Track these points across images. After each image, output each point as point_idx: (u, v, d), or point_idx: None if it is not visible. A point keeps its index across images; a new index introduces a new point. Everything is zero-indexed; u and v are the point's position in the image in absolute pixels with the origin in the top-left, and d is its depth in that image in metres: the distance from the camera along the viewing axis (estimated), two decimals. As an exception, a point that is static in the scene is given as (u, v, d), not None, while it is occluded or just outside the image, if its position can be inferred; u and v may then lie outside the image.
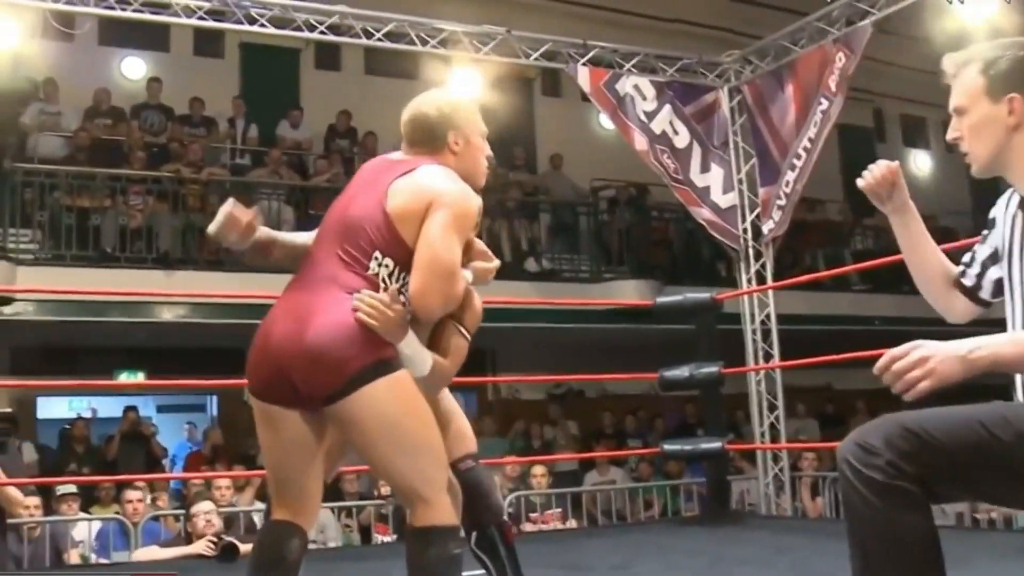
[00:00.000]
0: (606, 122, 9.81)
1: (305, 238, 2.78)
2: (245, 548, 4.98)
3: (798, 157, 7.71)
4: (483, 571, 3.06)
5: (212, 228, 2.73)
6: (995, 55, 2.01)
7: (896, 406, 1.87)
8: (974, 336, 1.80)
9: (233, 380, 2.60)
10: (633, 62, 8.15)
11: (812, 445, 9.17)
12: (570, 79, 8.54)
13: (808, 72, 7.70)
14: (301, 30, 7.39)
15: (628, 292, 10.36)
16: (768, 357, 8.06)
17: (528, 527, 7.05)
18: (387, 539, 6.74)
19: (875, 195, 2.19)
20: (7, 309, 8.52)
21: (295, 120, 11.49)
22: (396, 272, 2.50)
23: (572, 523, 7.29)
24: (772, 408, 8.08)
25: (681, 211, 9.76)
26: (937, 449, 1.77)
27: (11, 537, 5.67)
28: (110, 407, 11.02)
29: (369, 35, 7.54)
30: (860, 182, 2.19)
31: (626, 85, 8.06)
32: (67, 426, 9.76)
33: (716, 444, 6.43)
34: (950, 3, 6.93)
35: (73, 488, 6.69)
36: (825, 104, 7.48)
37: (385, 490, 6.75)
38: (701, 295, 6.63)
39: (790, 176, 7.79)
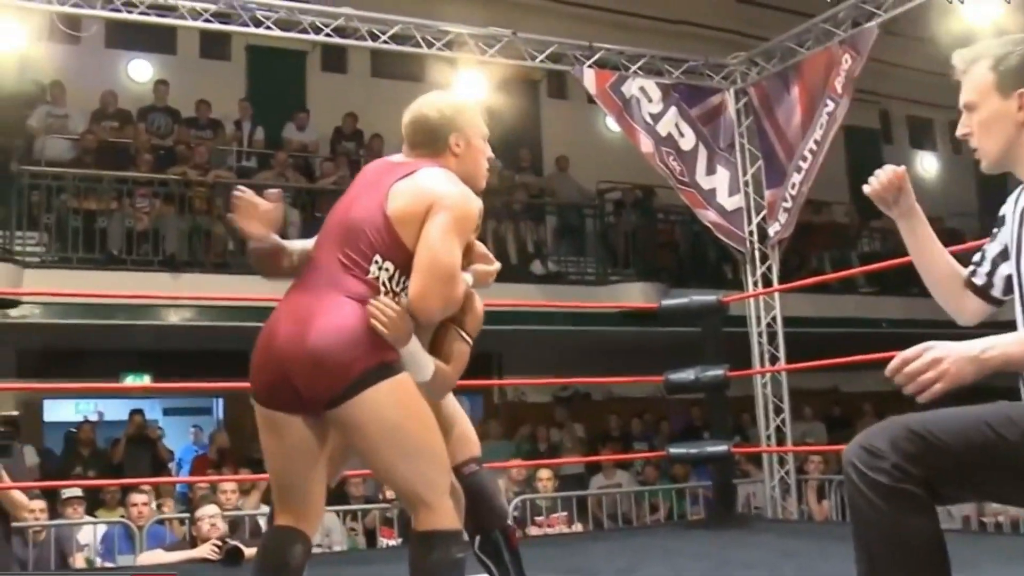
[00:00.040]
0: (612, 124, 9.80)
1: (311, 245, 2.76)
2: (250, 552, 4.97)
3: (804, 159, 7.69)
4: (487, 575, 3.05)
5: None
6: (1005, 51, 2.01)
7: (904, 408, 1.86)
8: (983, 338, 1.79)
9: (239, 383, 2.59)
10: (639, 64, 8.14)
11: (818, 448, 9.15)
12: (576, 81, 8.54)
13: (814, 74, 7.68)
14: (307, 32, 7.39)
15: (634, 295, 10.35)
16: (774, 360, 8.04)
17: (534, 530, 7.04)
18: (392, 543, 6.74)
19: (881, 200, 2.19)
20: (13, 312, 8.53)
21: (301, 122, 11.50)
22: (396, 275, 2.49)
23: (578, 526, 7.28)
24: (778, 411, 8.05)
25: (687, 213, 9.75)
26: (943, 451, 1.78)
27: (16, 540, 5.67)
28: (116, 410, 11.02)
29: (375, 37, 7.54)
30: (866, 188, 2.19)
31: (632, 87, 8.05)
32: (73, 429, 9.77)
33: (722, 447, 6.41)
34: (950, 2, 6.90)
35: (78, 492, 6.69)
36: (831, 106, 7.46)
37: (390, 494, 6.74)
38: (707, 298, 6.63)
39: (796, 178, 7.77)
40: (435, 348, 2.71)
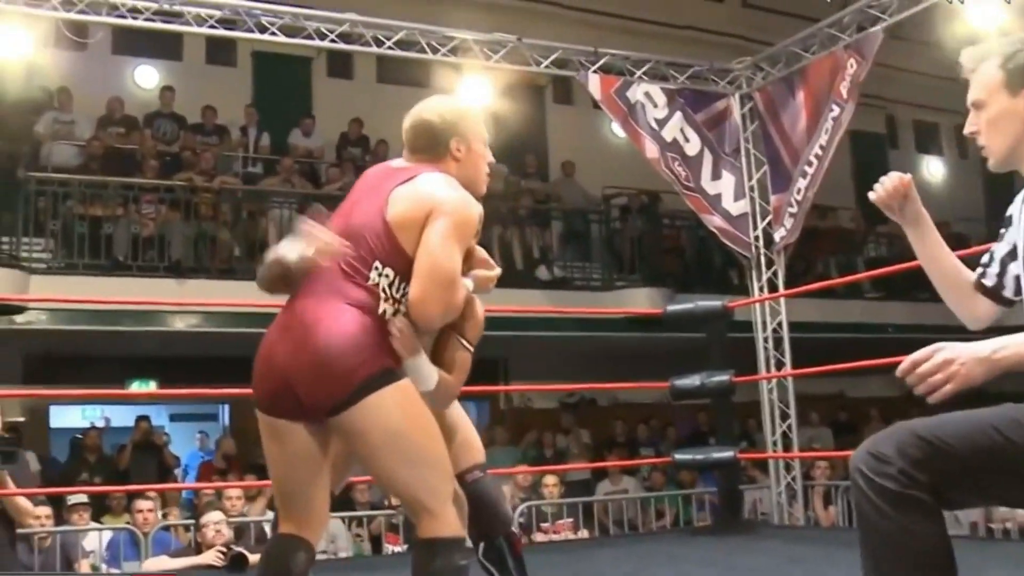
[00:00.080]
0: (618, 130, 9.81)
1: None
2: (254, 558, 4.97)
3: (809, 164, 7.68)
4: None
5: (295, 255, 2.49)
6: (1014, 49, 2.02)
7: (911, 413, 1.86)
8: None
9: (245, 389, 2.59)
10: (644, 69, 8.14)
11: (823, 454, 9.12)
12: (582, 87, 8.54)
13: (819, 79, 7.67)
14: (312, 38, 7.40)
15: (640, 300, 10.33)
16: (780, 365, 8.02)
17: (539, 537, 7.03)
18: (398, 549, 6.73)
19: (887, 207, 2.18)
20: (20, 318, 8.54)
21: (307, 128, 11.52)
22: (396, 282, 2.49)
23: (584, 533, 7.26)
24: (784, 416, 8.03)
25: (693, 219, 9.74)
26: (950, 455, 1.78)
27: (22, 547, 5.67)
28: (123, 416, 11.03)
29: (379, 43, 7.54)
30: (872, 195, 2.18)
31: (637, 92, 8.04)
32: (78, 435, 9.77)
33: (727, 453, 6.39)
34: (950, 2, 6.88)
35: (84, 498, 6.69)
36: (836, 111, 7.45)
37: (396, 500, 6.73)
38: (712, 303, 6.61)
39: (802, 183, 7.76)
40: (436, 358, 2.70)
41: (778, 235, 8.05)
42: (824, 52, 7.66)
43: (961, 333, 2.24)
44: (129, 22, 7.01)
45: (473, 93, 7.86)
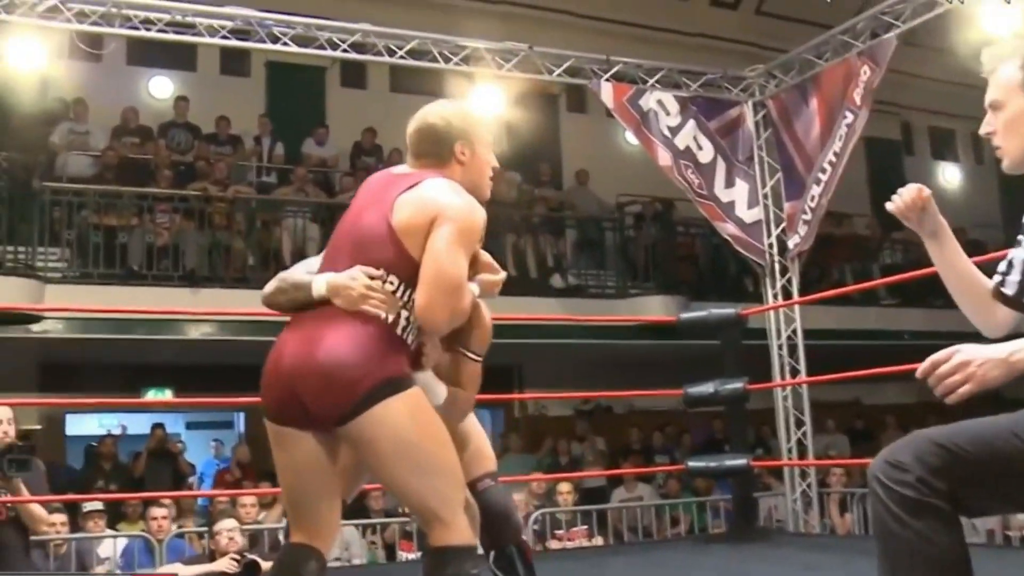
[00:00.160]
0: (632, 138, 9.80)
1: (315, 264, 2.74)
2: (267, 566, 4.97)
3: (823, 171, 7.67)
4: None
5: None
6: None
7: (928, 420, 1.85)
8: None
9: (259, 397, 2.60)
10: (657, 77, 8.14)
11: (838, 461, 9.09)
12: (595, 95, 8.54)
13: (833, 86, 7.66)
14: (324, 48, 7.42)
15: (654, 308, 10.31)
16: (795, 372, 7.99)
17: (554, 544, 7.02)
18: (412, 556, 6.73)
19: (905, 218, 2.17)
20: (36, 327, 8.58)
21: (321, 138, 11.55)
22: (401, 289, 2.48)
23: (598, 540, 7.25)
24: (799, 424, 8.00)
25: (707, 226, 9.71)
26: (968, 462, 1.77)
27: (38, 553, 5.69)
28: (139, 424, 11.06)
29: (392, 53, 7.56)
30: (890, 205, 2.17)
31: (649, 100, 8.04)
32: (94, 444, 9.81)
33: (741, 461, 6.37)
34: (961, 1, 6.86)
35: (99, 505, 6.71)
36: (850, 118, 7.43)
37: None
38: (726, 311, 6.59)
39: (815, 190, 7.74)
40: (445, 373, 2.70)
41: (792, 242, 8.03)
42: (837, 59, 7.65)
43: (978, 340, 2.22)
44: (143, 33, 7.05)
45: (486, 102, 7.86)
